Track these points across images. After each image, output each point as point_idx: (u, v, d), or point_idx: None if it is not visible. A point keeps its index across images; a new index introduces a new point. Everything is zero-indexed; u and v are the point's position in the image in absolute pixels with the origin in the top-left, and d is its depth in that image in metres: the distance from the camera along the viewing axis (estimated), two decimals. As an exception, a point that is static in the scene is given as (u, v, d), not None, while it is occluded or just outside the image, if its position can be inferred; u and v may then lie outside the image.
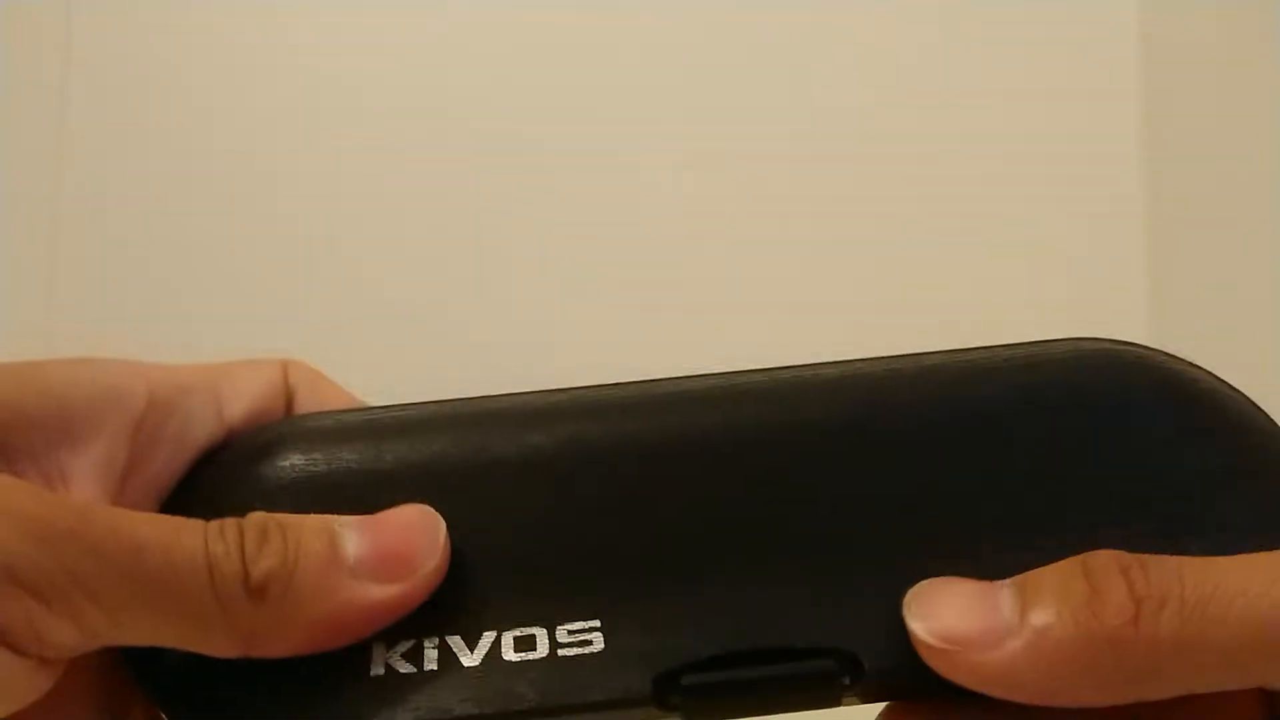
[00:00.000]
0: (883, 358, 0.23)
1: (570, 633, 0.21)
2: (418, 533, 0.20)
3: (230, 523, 0.19)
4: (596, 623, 0.21)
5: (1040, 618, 0.18)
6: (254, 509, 0.20)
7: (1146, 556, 0.19)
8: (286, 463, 0.22)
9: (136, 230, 0.58)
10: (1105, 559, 0.19)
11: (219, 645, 0.19)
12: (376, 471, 0.22)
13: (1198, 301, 0.59)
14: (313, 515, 0.20)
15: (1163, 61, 0.57)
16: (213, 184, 0.59)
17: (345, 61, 0.57)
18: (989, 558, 0.20)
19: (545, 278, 0.56)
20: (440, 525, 0.20)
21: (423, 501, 0.21)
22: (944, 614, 0.19)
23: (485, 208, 0.57)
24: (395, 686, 0.20)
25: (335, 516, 0.20)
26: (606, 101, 0.58)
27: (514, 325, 0.56)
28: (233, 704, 0.20)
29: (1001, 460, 0.22)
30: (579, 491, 0.22)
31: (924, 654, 0.19)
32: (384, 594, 0.19)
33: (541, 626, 0.21)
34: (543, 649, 0.20)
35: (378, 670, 0.20)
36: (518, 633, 0.21)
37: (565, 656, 0.20)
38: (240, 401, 0.23)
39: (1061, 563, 0.19)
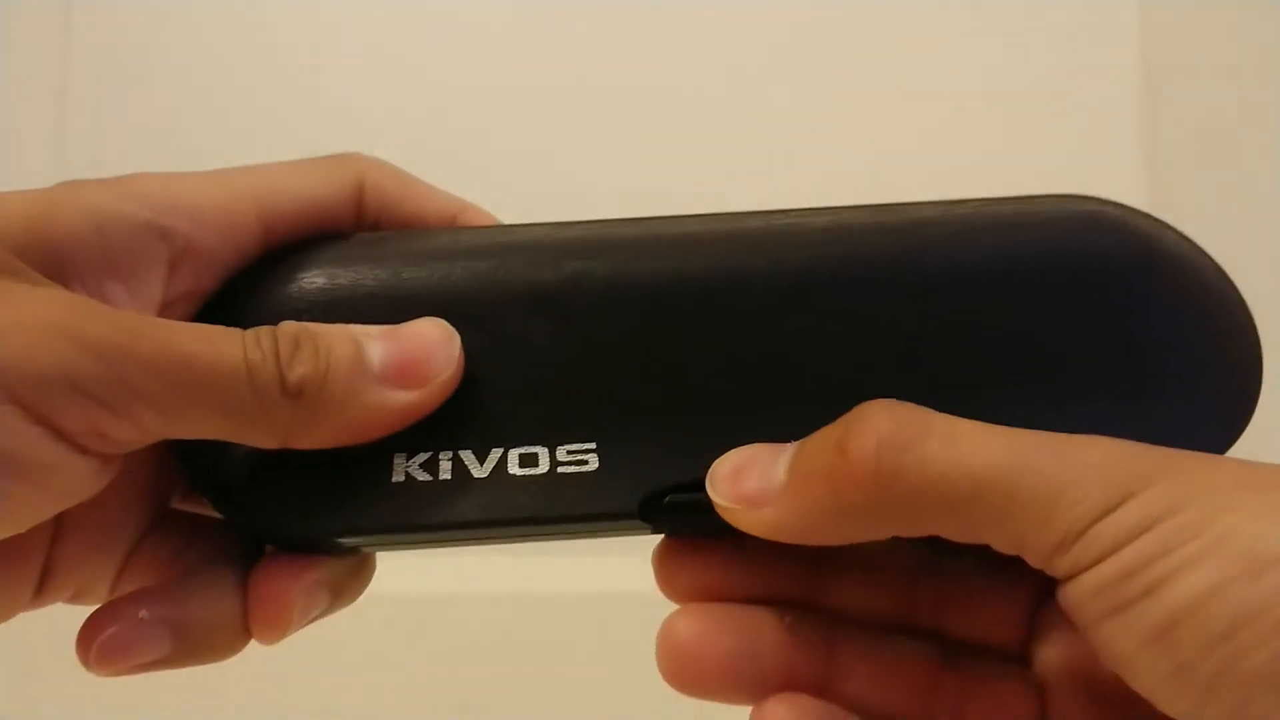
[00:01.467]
0: (874, 207, 0.25)
1: (569, 452, 0.23)
2: (435, 344, 0.22)
3: (265, 331, 0.21)
4: (593, 445, 0.23)
5: (796, 469, 0.21)
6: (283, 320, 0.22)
7: (912, 407, 0.21)
8: (312, 281, 0.24)
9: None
10: (871, 408, 0.21)
11: (260, 438, 0.21)
12: (396, 293, 0.24)
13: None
14: (339, 325, 0.22)
15: (1163, 57, 0.57)
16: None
17: (346, 58, 0.57)
18: (954, 404, 0.21)
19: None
20: (455, 338, 0.23)
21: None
22: (729, 478, 0.22)
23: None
24: (414, 492, 0.23)
25: (360, 326, 0.22)
26: None
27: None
28: (270, 499, 0.23)
29: (980, 313, 0.24)
30: (584, 324, 0.24)
31: (720, 514, 0.22)
32: (404, 399, 0.22)
33: (544, 445, 0.23)
34: (544, 465, 0.23)
35: (398, 477, 0.23)
36: (523, 450, 0.23)
37: (564, 474, 0.23)
38: (291, 218, 0.24)
39: (830, 430, 0.21)
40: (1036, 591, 0.24)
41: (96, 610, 0.22)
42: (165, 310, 0.23)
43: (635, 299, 0.24)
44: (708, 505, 0.22)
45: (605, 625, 0.49)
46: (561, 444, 0.23)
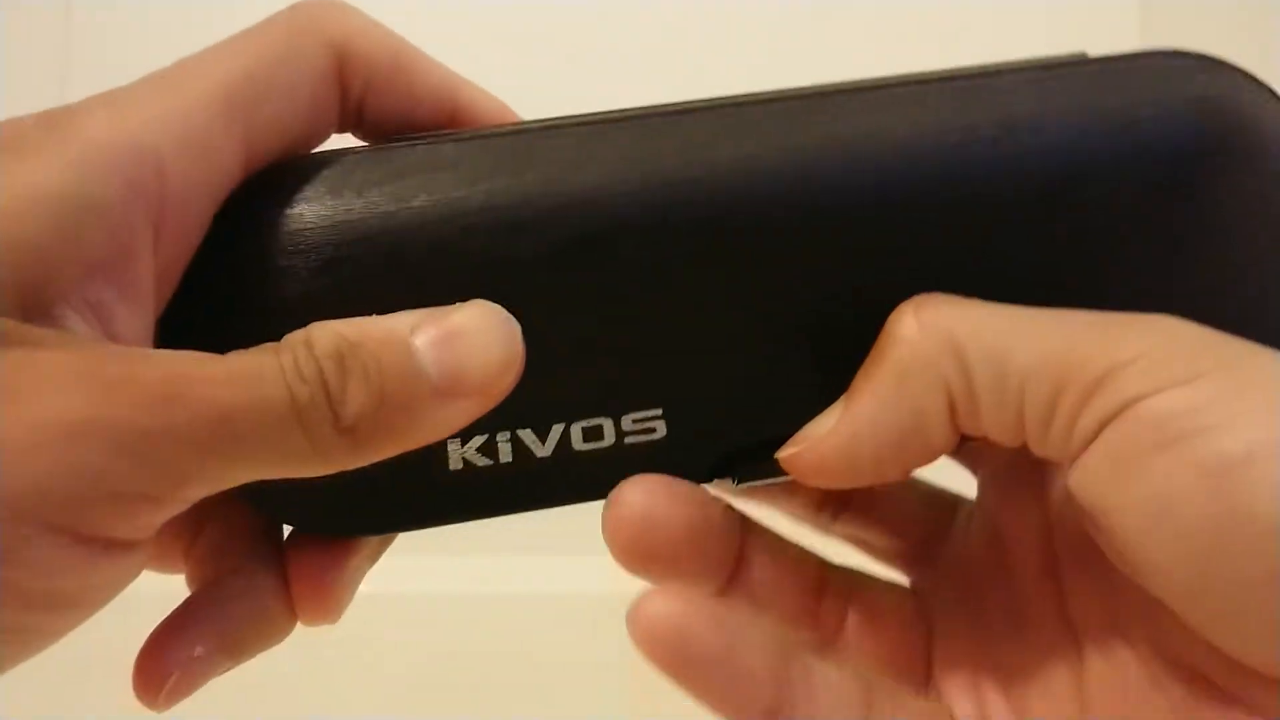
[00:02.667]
0: (955, 91, 0.21)
1: (635, 421, 0.21)
2: (493, 341, 0.19)
3: (303, 353, 0.17)
4: (659, 410, 0.21)
5: (853, 384, 0.21)
6: (294, 298, 0.19)
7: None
8: (320, 237, 0.20)
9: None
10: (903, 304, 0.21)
11: (311, 472, 0.18)
12: (418, 242, 0.20)
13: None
14: (380, 321, 0.18)
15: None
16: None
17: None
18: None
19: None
20: (516, 332, 0.19)
21: (479, 280, 0.20)
22: (793, 441, 0.21)
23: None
24: (475, 479, 0.21)
25: (404, 321, 0.18)
26: None
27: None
28: (322, 503, 0.21)
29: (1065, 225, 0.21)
30: (637, 270, 0.20)
31: (792, 471, 0.21)
32: (464, 409, 0.19)
33: (608, 416, 0.21)
34: (609, 438, 0.21)
35: (456, 465, 0.21)
36: (585, 424, 0.21)
37: (631, 444, 0.21)
38: (276, 132, 0.20)
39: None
40: (940, 510, 0.25)
41: (151, 652, 0.20)
42: (160, 289, 0.19)
43: (693, 236, 0.20)
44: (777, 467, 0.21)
45: (602, 625, 0.49)
46: (626, 413, 0.21)
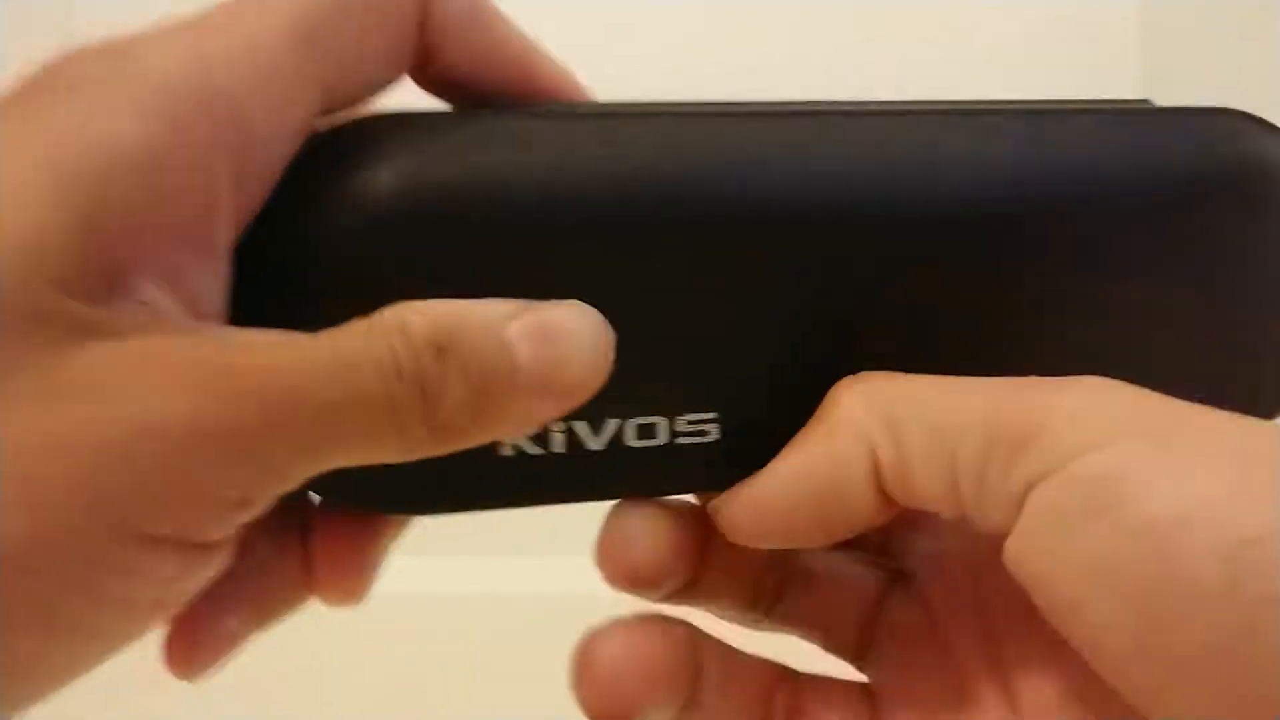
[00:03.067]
0: (1025, 128, 0.22)
1: (690, 423, 0.21)
2: (588, 345, 0.18)
3: (400, 345, 0.16)
4: (714, 415, 0.21)
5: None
6: (380, 273, 0.18)
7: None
8: (407, 210, 0.18)
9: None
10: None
11: (388, 459, 0.17)
12: (506, 225, 0.19)
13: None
14: (477, 309, 0.17)
15: (1163, 56, 0.57)
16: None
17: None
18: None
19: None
20: (610, 340, 0.18)
21: (568, 266, 0.19)
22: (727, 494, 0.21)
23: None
24: (526, 466, 0.20)
25: (501, 311, 0.17)
26: None
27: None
28: (366, 482, 0.19)
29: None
30: (709, 267, 0.20)
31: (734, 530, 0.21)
32: (548, 411, 0.18)
33: (663, 415, 0.21)
34: (662, 437, 0.21)
35: (506, 451, 0.20)
36: (640, 421, 0.21)
37: (682, 444, 0.21)
38: (354, 81, 0.19)
39: None
40: (878, 590, 0.24)
41: (185, 626, 0.20)
42: (234, 246, 0.18)
43: (786, 237, 0.20)
44: None
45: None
46: (682, 414, 0.21)
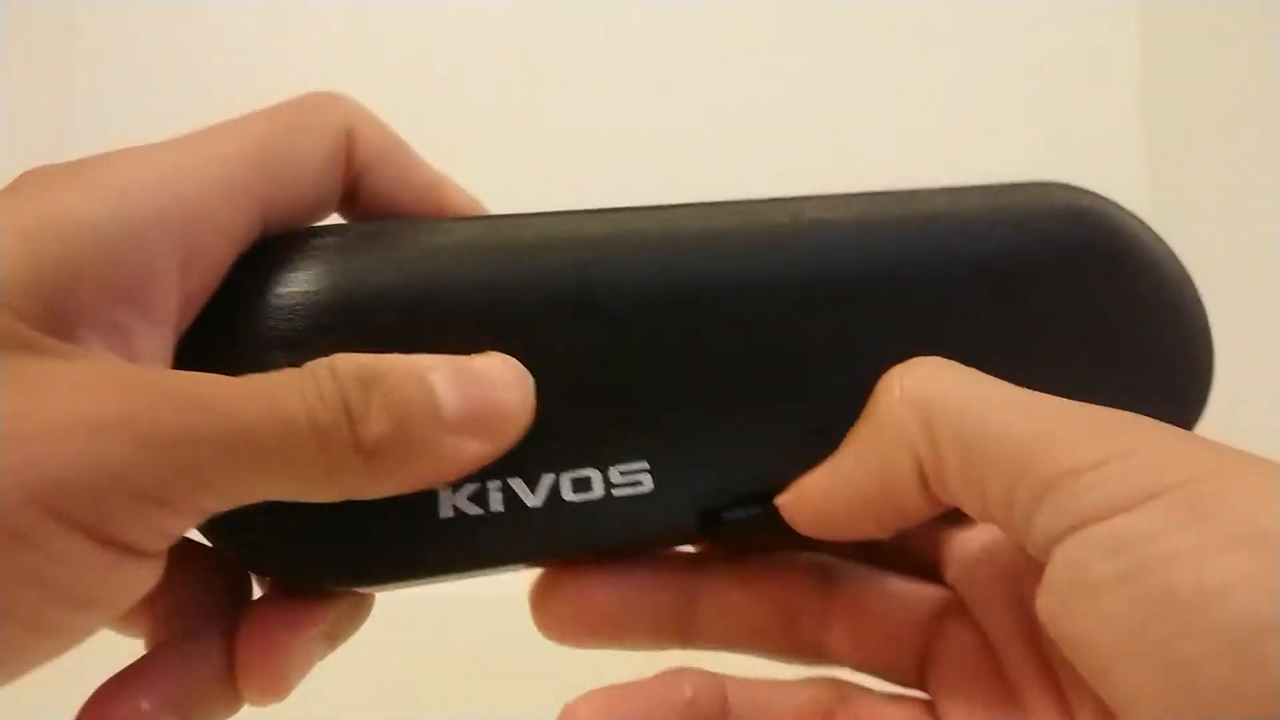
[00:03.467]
0: (889, 197, 0.25)
1: (622, 474, 0.22)
2: (509, 387, 0.20)
3: (325, 377, 0.18)
4: (645, 464, 0.22)
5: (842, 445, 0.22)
6: (313, 342, 0.20)
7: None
8: (333, 285, 0.20)
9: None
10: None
11: (321, 496, 0.18)
12: (426, 300, 0.21)
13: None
14: (402, 358, 0.19)
15: (1163, 56, 0.57)
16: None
17: (349, 56, 0.57)
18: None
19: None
20: (529, 380, 0.20)
21: (481, 338, 0.20)
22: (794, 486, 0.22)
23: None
24: (466, 528, 0.21)
25: (425, 361, 0.19)
26: None
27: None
28: (306, 548, 0.20)
29: (983, 299, 0.24)
30: (622, 332, 0.22)
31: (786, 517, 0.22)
32: (475, 449, 0.19)
33: (595, 468, 0.22)
34: (598, 490, 0.21)
35: (446, 513, 0.21)
36: (575, 474, 0.21)
37: (619, 496, 0.22)
38: (291, 197, 0.21)
39: None
40: (929, 615, 0.24)
41: (97, 701, 0.20)
42: (182, 320, 0.20)
43: (673, 301, 0.22)
44: (767, 518, 0.22)
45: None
46: (614, 464, 0.22)
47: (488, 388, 0.19)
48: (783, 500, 0.23)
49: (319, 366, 0.18)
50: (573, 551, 0.22)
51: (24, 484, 0.15)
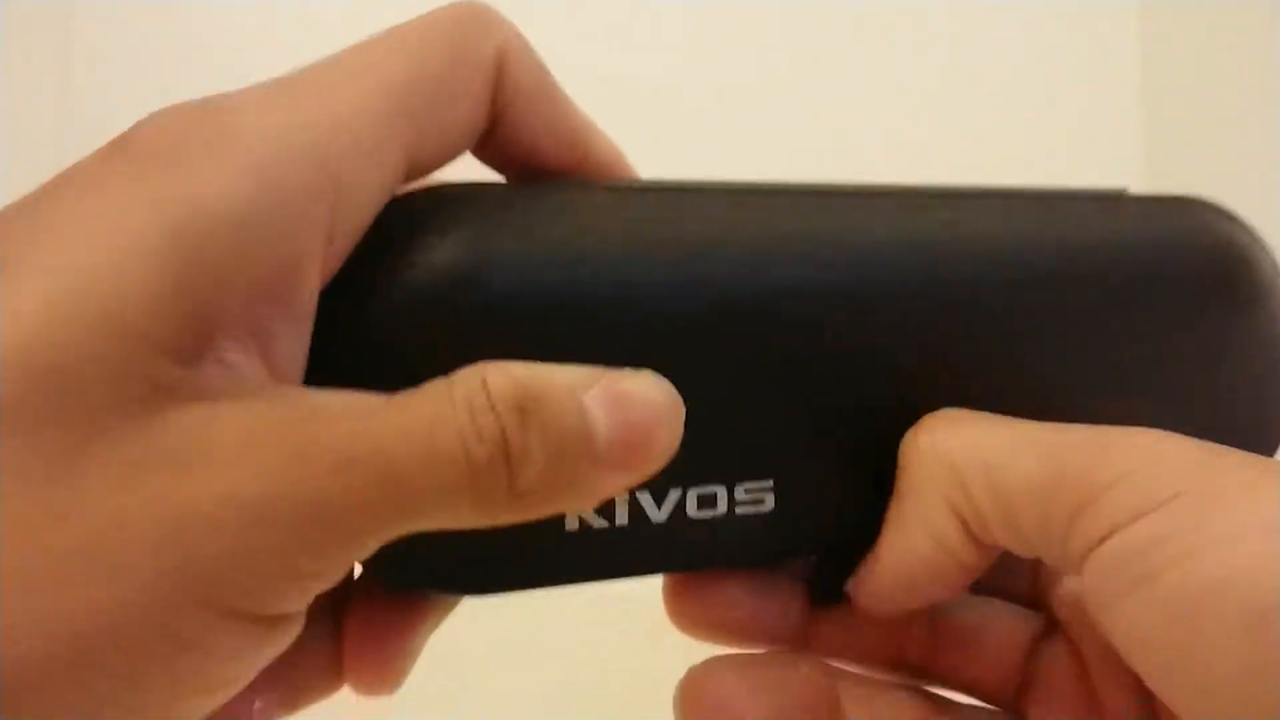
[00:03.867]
0: (1009, 206, 0.24)
1: (747, 491, 0.21)
2: (662, 419, 0.18)
3: (483, 408, 0.16)
4: (770, 483, 0.21)
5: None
6: (455, 327, 0.18)
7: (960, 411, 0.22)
8: (483, 279, 0.19)
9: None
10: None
11: (463, 525, 0.17)
12: (588, 293, 0.19)
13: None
14: (557, 375, 0.17)
15: (1163, 55, 0.57)
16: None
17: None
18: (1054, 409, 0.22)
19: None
20: (681, 410, 0.18)
21: (633, 339, 0.19)
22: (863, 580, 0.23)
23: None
24: (590, 540, 0.20)
25: (579, 377, 0.17)
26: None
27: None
28: (430, 559, 0.20)
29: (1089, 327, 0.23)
30: (760, 352, 0.21)
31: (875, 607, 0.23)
32: (621, 482, 0.18)
33: (722, 484, 0.21)
34: (722, 506, 0.21)
35: (572, 525, 0.20)
36: (701, 490, 0.21)
37: (741, 514, 0.21)
38: (438, 149, 0.19)
39: None
40: (1030, 640, 0.25)
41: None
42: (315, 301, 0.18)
43: (841, 310, 0.21)
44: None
45: (603, 627, 0.49)
46: (740, 482, 0.21)
47: (641, 416, 0.17)
48: (850, 588, 0.23)
49: (473, 387, 0.16)
50: (690, 565, 0.22)
51: (182, 575, 0.14)
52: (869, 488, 0.22)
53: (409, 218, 0.19)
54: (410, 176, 0.19)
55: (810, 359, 0.21)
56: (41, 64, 0.56)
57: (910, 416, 0.22)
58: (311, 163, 0.16)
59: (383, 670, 0.20)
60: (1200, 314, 0.24)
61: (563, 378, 0.17)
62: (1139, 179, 0.56)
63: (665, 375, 0.18)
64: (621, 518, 0.20)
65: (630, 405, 0.17)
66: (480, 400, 0.16)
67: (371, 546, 0.16)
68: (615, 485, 0.18)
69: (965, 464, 0.21)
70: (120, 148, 0.16)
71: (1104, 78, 0.58)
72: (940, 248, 0.22)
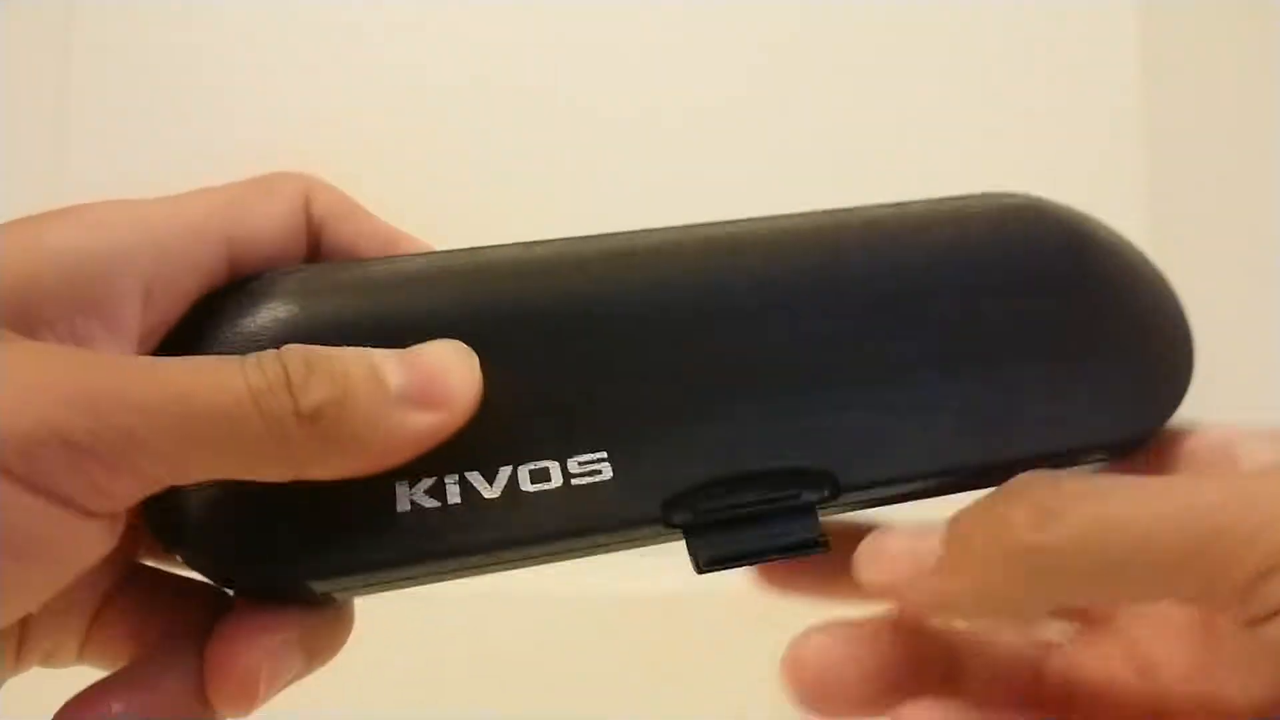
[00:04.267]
0: (833, 211, 0.26)
1: (580, 464, 0.22)
2: (454, 363, 0.21)
3: (268, 355, 0.19)
4: (604, 454, 0.22)
5: (953, 542, 0.21)
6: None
7: (1062, 475, 0.21)
8: (293, 310, 0.22)
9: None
10: (1029, 478, 0.21)
11: (274, 472, 0.19)
12: (383, 321, 0.22)
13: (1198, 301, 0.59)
14: (348, 348, 0.20)
15: (1163, 54, 0.57)
16: (214, 173, 0.58)
17: (349, 55, 0.57)
18: (922, 385, 0.24)
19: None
20: (473, 356, 0.21)
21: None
22: (882, 567, 0.22)
23: (489, 207, 0.57)
24: (423, 520, 0.21)
25: (370, 350, 0.20)
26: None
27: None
28: (260, 545, 0.21)
29: (933, 299, 0.25)
30: (581, 341, 0.23)
31: (875, 593, 0.23)
32: (427, 420, 0.20)
33: (553, 460, 0.22)
34: (556, 479, 0.22)
35: (403, 506, 0.21)
36: (532, 466, 0.22)
37: (578, 485, 0.22)
38: (254, 244, 0.23)
39: (985, 502, 0.21)
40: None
41: (70, 705, 0.21)
42: (143, 344, 0.22)
43: (631, 311, 0.23)
44: (735, 506, 0.23)
45: (607, 626, 0.49)
46: (572, 455, 0.22)
47: (431, 360, 0.20)
48: (871, 576, 0.23)
49: (267, 351, 0.19)
50: (537, 539, 0.22)
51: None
52: (707, 449, 0.23)
53: (230, 287, 0.23)
54: (235, 271, 0.23)
55: (609, 350, 0.23)
56: (41, 64, 0.56)
57: (730, 390, 0.23)
58: (131, 230, 0.21)
59: (236, 682, 0.21)
60: (1034, 283, 0.25)
61: (355, 349, 0.20)
62: (1138, 181, 0.56)
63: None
64: (454, 497, 0.21)
65: (419, 354, 0.21)
66: (269, 354, 0.19)
67: (161, 458, 0.18)
68: (421, 423, 0.20)
69: (1112, 546, 0.20)
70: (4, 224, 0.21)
71: (1104, 79, 0.58)
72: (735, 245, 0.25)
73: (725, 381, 0.23)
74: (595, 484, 0.22)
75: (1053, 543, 0.20)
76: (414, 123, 0.56)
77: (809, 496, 0.23)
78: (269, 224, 0.23)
